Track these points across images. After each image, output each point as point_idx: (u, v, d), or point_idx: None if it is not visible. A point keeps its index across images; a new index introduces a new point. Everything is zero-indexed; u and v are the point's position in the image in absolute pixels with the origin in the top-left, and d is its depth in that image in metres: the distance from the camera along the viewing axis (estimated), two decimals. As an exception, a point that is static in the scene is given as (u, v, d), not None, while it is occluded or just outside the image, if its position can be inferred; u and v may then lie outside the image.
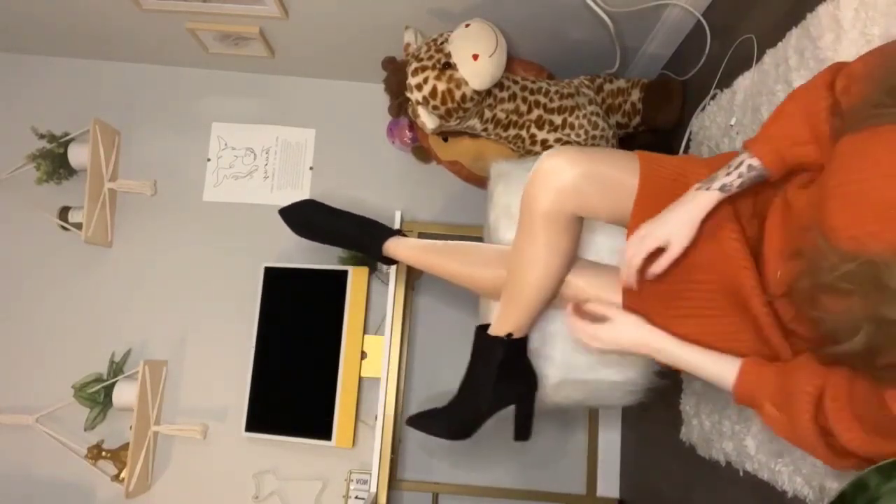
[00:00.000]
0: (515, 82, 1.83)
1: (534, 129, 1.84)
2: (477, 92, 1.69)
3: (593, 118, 1.87)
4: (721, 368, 1.02)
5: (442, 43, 1.70)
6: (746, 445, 1.36)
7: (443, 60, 1.68)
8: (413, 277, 2.29)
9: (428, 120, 1.74)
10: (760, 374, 0.97)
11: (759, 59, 1.43)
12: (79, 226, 2.28)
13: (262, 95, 2.50)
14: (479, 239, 1.72)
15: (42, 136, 2.34)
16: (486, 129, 1.84)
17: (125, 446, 2.20)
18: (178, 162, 2.46)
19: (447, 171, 2.14)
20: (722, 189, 1.00)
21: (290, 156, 2.47)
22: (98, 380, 2.28)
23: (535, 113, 1.83)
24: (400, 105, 1.78)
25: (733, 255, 1.03)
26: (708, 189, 1.01)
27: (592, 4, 1.79)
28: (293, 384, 2.20)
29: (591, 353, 1.36)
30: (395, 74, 1.75)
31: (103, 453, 2.20)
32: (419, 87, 1.70)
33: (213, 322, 2.36)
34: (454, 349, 2.34)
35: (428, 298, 2.42)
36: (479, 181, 2.06)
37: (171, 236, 2.41)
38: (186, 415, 2.32)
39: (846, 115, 0.83)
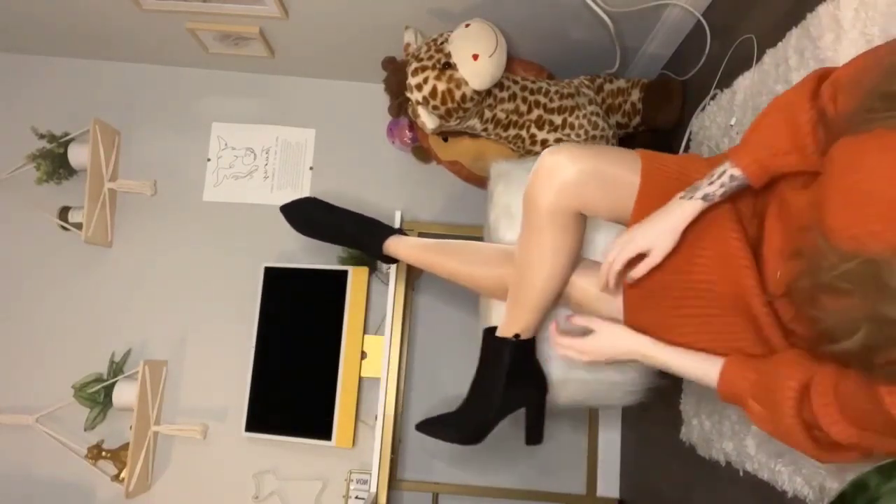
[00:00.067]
0: (515, 82, 1.83)
1: (534, 129, 1.84)
2: (477, 92, 1.69)
3: (593, 118, 1.87)
4: (706, 368, 1.04)
5: (442, 43, 1.70)
6: (746, 445, 1.36)
7: (443, 60, 1.68)
8: (413, 277, 2.29)
9: (428, 120, 1.74)
10: (742, 372, 0.99)
11: (759, 59, 1.43)
12: (79, 226, 2.28)
13: (262, 95, 2.50)
14: (480, 239, 1.72)
15: (42, 136, 2.34)
16: (486, 129, 1.84)
17: (125, 446, 2.21)
18: (178, 162, 2.46)
19: (447, 171, 2.15)
20: (704, 199, 1.02)
21: (290, 156, 2.47)
22: (98, 380, 2.28)
23: (535, 113, 1.83)
24: (400, 105, 1.78)
25: (734, 254, 1.03)
26: (691, 199, 1.03)
27: (592, 4, 1.79)
28: (293, 384, 2.20)
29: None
30: (395, 74, 1.75)
31: (103, 453, 2.20)
32: (419, 87, 1.70)
33: (213, 322, 2.36)
34: (454, 349, 2.36)
35: (428, 298, 2.42)
36: (479, 181, 2.06)
37: (171, 236, 2.41)
38: (186, 415, 2.32)
39: (837, 122, 0.83)
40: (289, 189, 2.45)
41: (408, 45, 1.82)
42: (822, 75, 0.91)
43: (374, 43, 2.13)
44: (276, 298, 2.26)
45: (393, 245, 1.60)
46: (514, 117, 1.82)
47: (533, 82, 1.86)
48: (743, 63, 1.51)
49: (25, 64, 2.48)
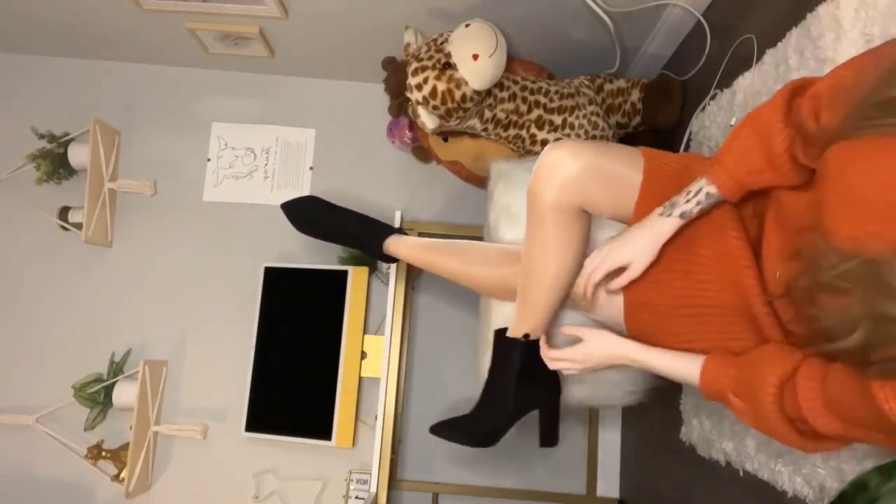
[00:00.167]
0: (515, 82, 1.83)
1: (534, 129, 1.84)
2: (477, 92, 1.69)
3: (593, 118, 1.87)
4: (689, 368, 1.06)
5: (442, 43, 1.70)
6: (746, 445, 1.36)
7: (443, 60, 1.68)
8: (413, 277, 2.29)
9: (428, 120, 1.74)
10: (723, 369, 1.00)
11: (759, 59, 1.43)
12: (79, 226, 2.28)
13: (262, 95, 2.50)
14: (480, 239, 1.72)
15: (42, 136, 2.34)
16: (486, 129, 1.84)
17: (125, 446, 2.21)
18: (178, 162, 2.46)
19: (447, 171, 2.15)
20: (682, 216, 1.05)
21: (290, 156, 2.47)
22: (98, 380, 2.28)
23: (535, 113, 1.83)
24: (400, 105, 1.78)
25: (735, 253, 1.03)
26: (669, 216, 1.06)
27: (592, 4, 1.79)
28: (293, 384, 2.20)
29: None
30: (395, 74, 1.75)
31: (103, 453, 2.21)
32: (419, 87, 1.70)
33: (213, 322, 2.36)
34: (454, 349, 2.36)
35: (428, 298, 2.42)
36: (479, 181, 2.06)
37: (171, 236, 2.42)
38: (186, 415, 2.32)
39: (822, 135, 0.83)
40: (289, 189, 2.45)
41: (408, 45, 1.82)
42: (796, 89, 0.92)
43: (374, 43, 2.13)
44: (276, 298, 2.26)
45: (393, 244, 1.60)
46: (514, 117, 1.82)
47: (533, 82, 1.86)
48: (743, 63, 1.51)
49: (25, 64, 2.48)
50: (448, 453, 2.31)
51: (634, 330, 1.18)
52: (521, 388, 1.32)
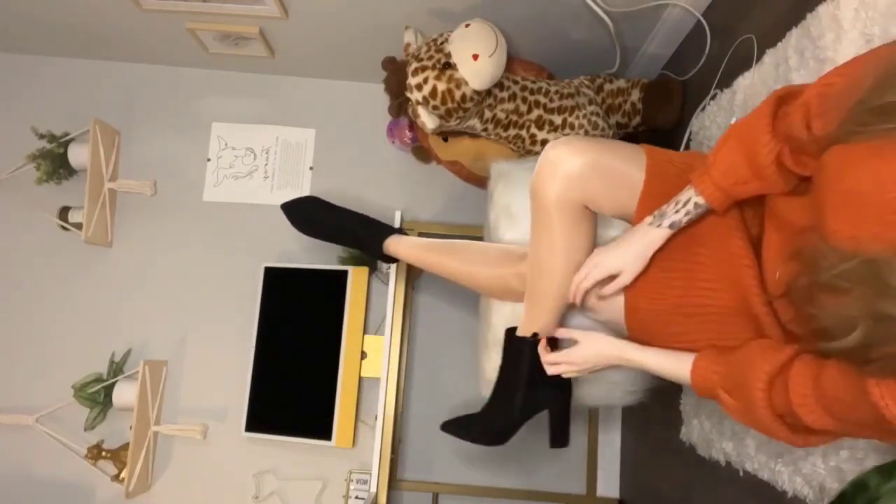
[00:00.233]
0: (515, 82, 1.83)
1: (534, 129, 1.84)
2: (477, 92, 1.69)
3: (593, 118, 1.87)
4: (682, 366, 1.07)
5: (442, 43, 1.70)
6: (746, 445, 1.36)
7: (443, 60, 1.68)
8: (413, 277, 2.29)
9: (428, 120, 1.74)
10: (712, 366, 1.02)
11: (759, 59, 1.43)
12: (79, 226, 2.28)
13: (262, 95, 2.50)
14: (480, 239, 1.72)
15: (42, 136, 2.34)
16: (486, 129, 1.84)
17: (125, 446, 2.21)
18: (178, 162, 2.46)
19: (447, 171, 2.15)
20: (671, 227, 1.07)
21: (290, 156, 2.47)
22: (98, 380, 2.28)
23: (535, 113, 1.83)
24: (400, 105, 1.78)
25: (737, 253, 1.03)
26: (659, 226, 1.07)
27: (592, 4, 1.79)
28: (293, 384, 2.20)
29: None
30: (395, 74, 1.75)
31: (103, 453, 2.21)
32: (419, 87, 1.70)
33: (213, 322, 2.36)
34: (454, 349, 2.36)
35: (428, 298, 2.42)
36: (479, 181, 2.06)
37: (171, 236, 2.42)
38: (186, 415, 2.32)
39: (815, 142, 0.83)
40: (289, 189, 2.45)
41: (408, 45, 1.82)
42: (781, 98, 0.92)
43: (374, 43, 2.13)
44: (276, 298, 2.26)
45: (393, 244, 1.60)
46: (514, 117, 1.82)
47: (533, 82, 1.86)
48: (743, 63, 1.51)
49: (25, 64, 2.48)
50: (448, 453, 2.31)
51: (635, 330, 1.18)
52: (530, 387, 1.32)
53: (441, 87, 1.67)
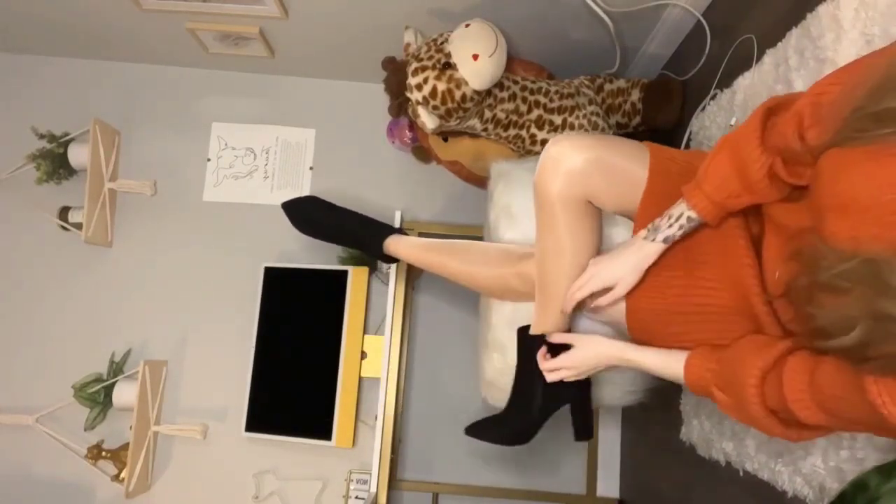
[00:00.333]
0: (515, 82, 1.83)
1: (534, 129, 1.84)
2: (477, 92, 1.69)
3: (593, 118, 1.87)
4: (676, 365, 1.07)
5: (442, 43, 1.70)
6: (746, 445, 1.36)
7: (443, 60, 1.68)
8: (413, 277, 2.29)
9: (428, 120, 1.74)
10: (705, 363, 1.02)
11: (759, 59, 1.43)
12: (79, 226, 2.28)
13: (262, 95, 2.50)
14: (480, 239, 1.72)
15: (42, 136, 2.34)
16: (486, 129, 1.84)
17: (125, 446, 2.21)
18: (178, 162, 2.46)
19: (447, 171, 2.15)
20: (665, 241, 1.08)
21: (290, 156, 2.47)
22: (98, 380, 2.28)
23: (535, 113, 1.83)
24: (400, 105, 1.78)
25: (737, 251, 1.03)
26: (653, 240, 1.08)
27: (592, 4, 1.79)
28: (293, 384, 2.20)
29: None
30: (395, 74, 1.75)
31: (103, 453, 2.21)
32: (419, 87, 1.70)
33: (213, 322, 2.36)
34: (454, 349, 2.36)
35: (428, 298, 2.42)
36: (479, 181, 2.06)
37: (171, 236, 2.42)
38: (186, 415, 2.32)
39: (810, 151, 0.83)
40: (289, 189, 2.45)
41: (408, 45, 1.82)
42: (770, 109, 0.92)
43: (374, 43, 2.13)
44: (276, 298, 2.26)
45: (393, 244, 1.60)
46: (514, 117, 1.82)
47: (533, 82, 1.86)
48: (743, 63, 1.51)
49: (25, 64, 2.48)
50: (448, 453, 2.31)
51: (636, 330, 1.18)
52: (549, 384, 1.31)
53: (441, 87, 1.67)
